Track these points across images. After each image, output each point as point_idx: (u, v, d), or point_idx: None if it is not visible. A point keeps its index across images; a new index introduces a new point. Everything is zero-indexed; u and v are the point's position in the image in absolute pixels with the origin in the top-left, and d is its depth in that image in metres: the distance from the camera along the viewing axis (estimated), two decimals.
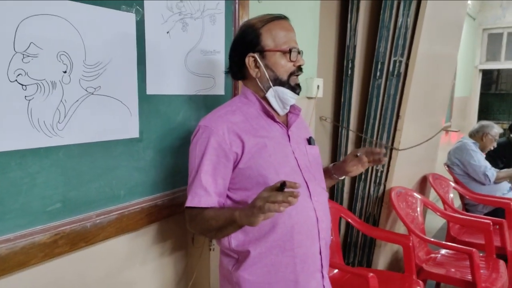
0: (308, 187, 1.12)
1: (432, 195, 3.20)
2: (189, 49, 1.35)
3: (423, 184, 2.95)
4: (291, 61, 1.11)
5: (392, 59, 2.29)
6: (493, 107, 7.78)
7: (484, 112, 6.92)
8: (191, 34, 1.35)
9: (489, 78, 7.59)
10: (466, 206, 3.14)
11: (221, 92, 1.52)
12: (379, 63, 2.33)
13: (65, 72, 1.01)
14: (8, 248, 0.91)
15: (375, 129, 2.39)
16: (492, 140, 3.25)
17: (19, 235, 0.95)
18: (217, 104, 1.49)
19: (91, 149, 1.09)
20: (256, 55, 1.11)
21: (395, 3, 2.24)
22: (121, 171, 1.18)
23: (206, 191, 1.06)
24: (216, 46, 1.46)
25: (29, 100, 0.94)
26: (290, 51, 1.10)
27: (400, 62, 2.27)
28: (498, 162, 3.26)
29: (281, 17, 1.14)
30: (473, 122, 5.88)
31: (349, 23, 2.39)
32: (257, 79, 1.13)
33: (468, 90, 5.82)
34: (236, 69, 1.17)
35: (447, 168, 3.29)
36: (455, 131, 4.94)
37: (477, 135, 3.27)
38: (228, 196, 1.11)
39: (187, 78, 1.36)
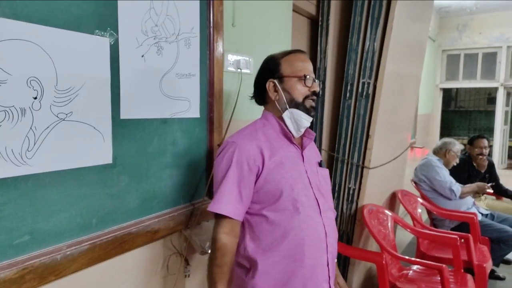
0: (318, 204, 1.24)
1: (400, 210, 3.29)
2: (164, 73, 1.34)
3: (392, 201, 3.03)
4: (306, 86, 1.25)
5: (361, 80, 2.37)
6: (453, 123, 8.20)
7: (446, 128, 7.28)
8: (166, 57, 1.34)
9: (448, 96, 8.01)
10: (434, 221, 3.24)
11: (197, 115, 1.51)
12: (349, 85, 2.41)
13: (35, 98, 0.97)
14: None
15: (347, 148, 2.45)
16: (455, 156, 3.39)
17: None
18: (192, 127, 1.50)
19: (62, 177, 1.05)
20: (276, 81, 1.26)
21: (362, 27, 2.34)
22: (93, 198, 1.14)
23: (230, 200, 1.17)
24: (191, 69, 1.46)
25: None
26: (305, 77, 1.24)
27: (369, 83, 2.36)
28: (460, 178, 3.40)
29: (299, 51, 1.31)
30: (435, 138, 6.15)
31: (319, 46, 2.46)
32: (275, 102, 1.28)
33: (430, 107, 6.10)
34: (259, 94, 1.33)
35: (414, 184, 3.40)
36: (420, 147, 5.13)
37: (441, 152, 3.41)
38: (250, 210, 1.21)
39: (162, 101, 1.35)
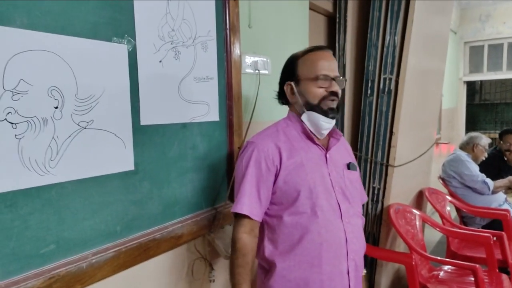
0: (340, 208, 1.19)
1: (428, 208, 3.19)
2: (182, 77, 1.34)
3: (419, 199, 2.94)
4: (321, 87, 1.20)
5: (382, 76, 2.31)
6: (479, 117, 7.92)
7: (471, 123, 7.04)
8: (184, 62, 1.34)
9: (473, 89, 7.75)
10: (464, 219, 3.12)
11: (216, 118, 1.49)
12: (370, 81, 2.35)
13: (56, 107, 0.97)
14: None
15: (369, 146, 2.39)
16: (483, 150, 3.27)
17: (11, 282, 0.89)
18: (212, 130, 1.48)
19: (85, 185, 1.05)
20: (293, 83, 1.24)
21: (382, 22, 2.28)
22: (117, 206, 1.14)
23: (250, 200, 1.16)
24: (209, 72, 1.45)
25: (20, 138, 0.90)
26: (317, 77, 1.19)
27: (390, 79, 2.29)
28: (490, 173, 3.27)
29: (321, 48, 1.26)
30: (461, 133, 5.96)
31: (337, 43, 2.42)
32: (294, 105, 1.27)
33: (454, 101, 5.92)
34: (280, 96, 1.33)
35: (441, 181, 3.29)
36: (446, 143, 4.98)
37: (468, 147, 3.29)
38: (268, 211, 1.20)
39: (181, 106, 1.34)
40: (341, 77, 1.24)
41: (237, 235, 1.16)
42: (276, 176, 1.18)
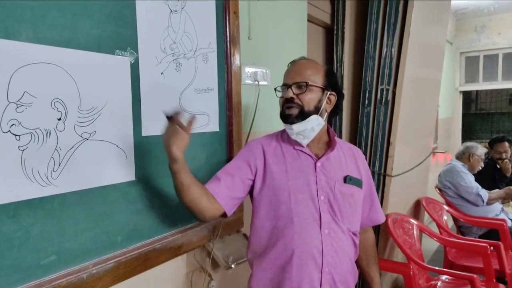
0: (320, 218, 1.18)
1: (425, 217, 3.20)
2: (183, 88, 1.35)
3: (416, 208, 2.96)
4: (282, 96, 1.25)
5: (379, 87, 2.34)
6: (475, 126, 7.99)
7: (467, 132, 7.10)
8: (185, 73, 1.35)
9: (468, 98, 7.83)
10: (461, 229, 3.14)
11: (216, 129, 1.51)
12: (367, 92, 2.38)
13: (59, 119, 0.99)
14: None
15: (367, 156, 2.41)
16: (479, 160, 3.30)
17: None
18: (212, 141, 1.50)
19: (87, 196, 1.06)
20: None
21: (379, 34, 2.32)
22: (118, 216, 1.15)
23: (218, 181, 1.21)
24: (210, 83, 1.47)
25: (23, 150, 0.91)
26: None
27: (387, 90, 2.32)
28: (485, 183, 3.29)
29: (295, 60, 1.30)
30: (457, 142, 6.00)
31: (335, 55, 2.45)
32: None
33: (451, 111, 5.97)
34: None
35: (438, 191, 3.31)
36: (442, 152, 5.01)
37: (464, 157, 3.32)
38: (254, 212, 1.27)
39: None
40: (302, 81, 1.20)
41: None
42: (259, 178, 1.23)
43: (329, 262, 1.17)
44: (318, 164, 1.23)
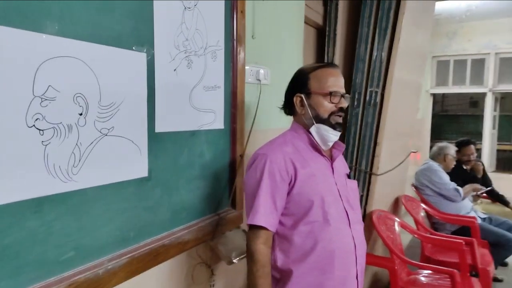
0: (347, 216, 1.26)
1: (401, 213, 3.35)
2: (193, 85, 1.36)
3: (395, 206, 3.09)
4: (332, 102, 1.25)
5: (368, 89, 2.43)
6: (443, 127, 8.38)
7: (436, 133, 7.42)
8: (195, 70, 1.36)
9: (437, 101, 8.19)
10: (435, 225, 3.31)
11: (221, 126, 1.53)
12: (356, 93, 2.46)
13: (80, 114, 0.98)
14: None
15: (354, 155, 2.49)
16: (453, 159, 3.48)
17: None
18: (217, 138, 1.51)
19: (105, 191, 1.05)
20: (303, 96, 1.28)
21: (370, 38, 2.40)
22: (131, 212, 1.15)
23: (266, 211, 1.18)
24: (217, 81, 1.48)
25: (46, 145, 0.90)
26: (330, 93, 1.24)
27: (376, 92, 2.41)
28: (456, 183, 3.47)
29: (330, 65, 1.31)
30: (427, 142, 6.26)
31: (326, 56, 2.51)
32: (302, 116, 1.30)
33: (422, 112, 6.22)
34: (287, 106, 1.35)
35: (414, 189, 3.47)
36: (414, 152, 5.23)
37: (439, 157, 3.49)
38: (280, 222, 1.23)
39: (191, 113, 1.36)
40: (347, 94, 1.30)
41: (255, 246, 1.18)
42: (291, 186, 1.21)
43: (360, 254, 1.26)
44: (333, 165, 1.31)
